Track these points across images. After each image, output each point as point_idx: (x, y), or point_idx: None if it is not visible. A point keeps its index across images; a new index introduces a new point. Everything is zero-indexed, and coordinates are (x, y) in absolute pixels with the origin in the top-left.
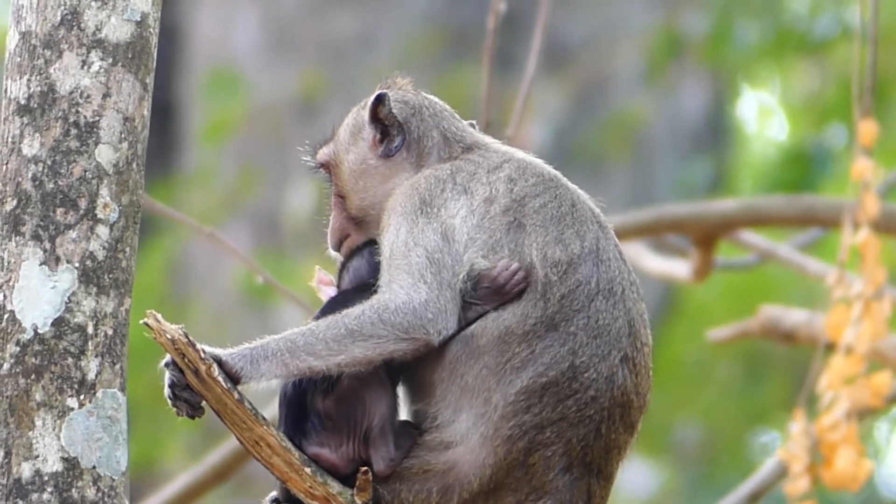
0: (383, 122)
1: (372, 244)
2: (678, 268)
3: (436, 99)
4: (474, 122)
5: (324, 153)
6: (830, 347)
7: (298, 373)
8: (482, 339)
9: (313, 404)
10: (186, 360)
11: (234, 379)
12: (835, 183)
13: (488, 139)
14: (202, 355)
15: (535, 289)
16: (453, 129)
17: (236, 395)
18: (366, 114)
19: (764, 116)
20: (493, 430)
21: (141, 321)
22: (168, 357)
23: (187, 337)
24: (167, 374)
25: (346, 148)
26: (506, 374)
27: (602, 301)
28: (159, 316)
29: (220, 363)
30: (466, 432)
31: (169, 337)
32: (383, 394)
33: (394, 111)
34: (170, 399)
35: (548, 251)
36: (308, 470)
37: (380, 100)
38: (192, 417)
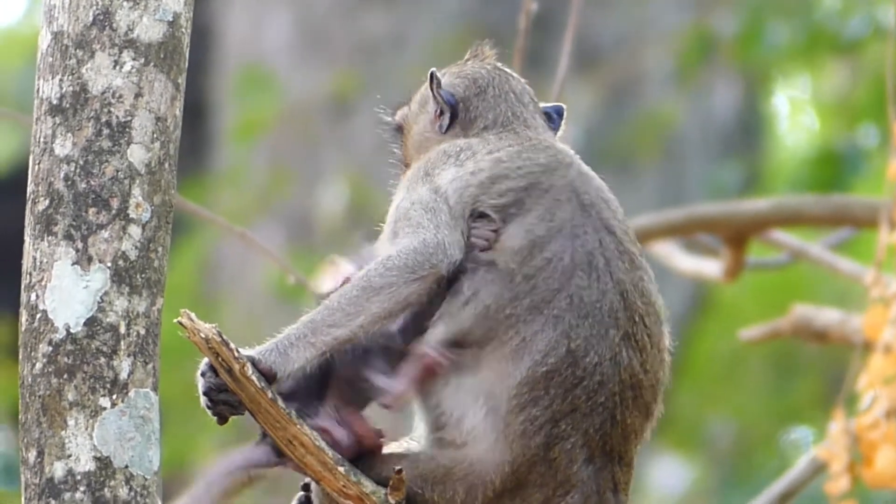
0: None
1: None
2: (709, 267)
3: (510, 77)
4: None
5: (400, 115)
6: (866, 346)
7: (327, 348)
8: (465, 323)
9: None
10: (220, 359)
11: (269, 376)
12: (867, 183)
13: (534, 127)
14: (236, 354)
15: (500, 270)
16: (509, 113)
17: (269, 395)
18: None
19: (795, 115)
20: (505, 426)
21: (175, 320)
22: (203, 366)
23: (221, 336)
24: (202, 382)
25: (415, 118)
26: (501, 364)
27: (582, 277)
28: (193, 315)
29: (253, 363)
30: (477, 430)
31: (203, 336)
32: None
33: (449, 90)
34: (208, 407)
35: (507, 238)
36: (341, 469)
37: (432, 77)
38: (230, 417)
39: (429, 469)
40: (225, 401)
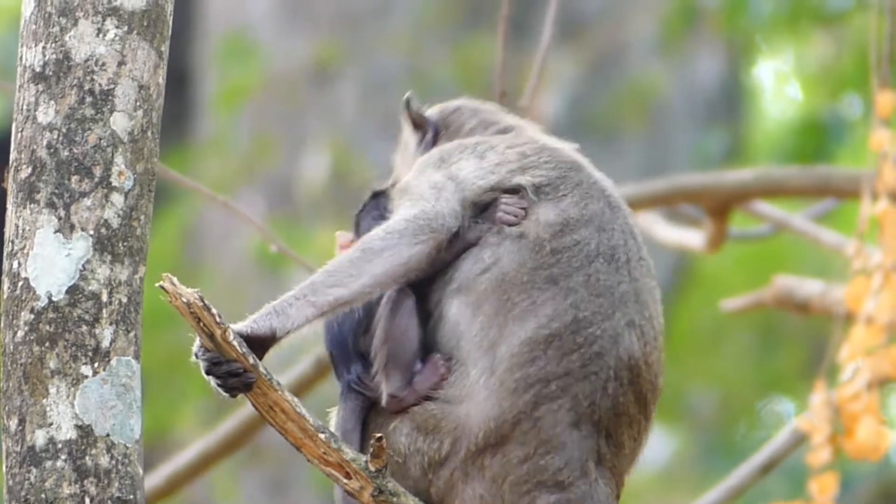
0: (418, 124)
1: (381, 195)
2: (692, 238)
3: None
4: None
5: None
6: (848, 318)
7: (328, 307)
8: (480, 286)
9: (356, 348)
10: (202, 324)
11: (268, 336)
12: (850, 153)
13: (529, 127)
14: (217, 319)
15: (528, 239)
16: (493, 118)
17: (251, 360)
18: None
19: (780, 85)
20: (499, 384)
21: (157, 284)
22: (195, 347)
23: (202, 301)
24: (202, 364)
25: (403, 154)
26: (508, 323)
27: (603, 263)
28: (175, 279)
29: (249, 336)
30: (474, 386)
31: (184, 300)
32: (404, 326)
33: (421, 112)
34: (219, 386)
35: (541, 213)
36: (322, 436)
37: (407, 104)
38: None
39: (422, 419)
40: (229, 372)
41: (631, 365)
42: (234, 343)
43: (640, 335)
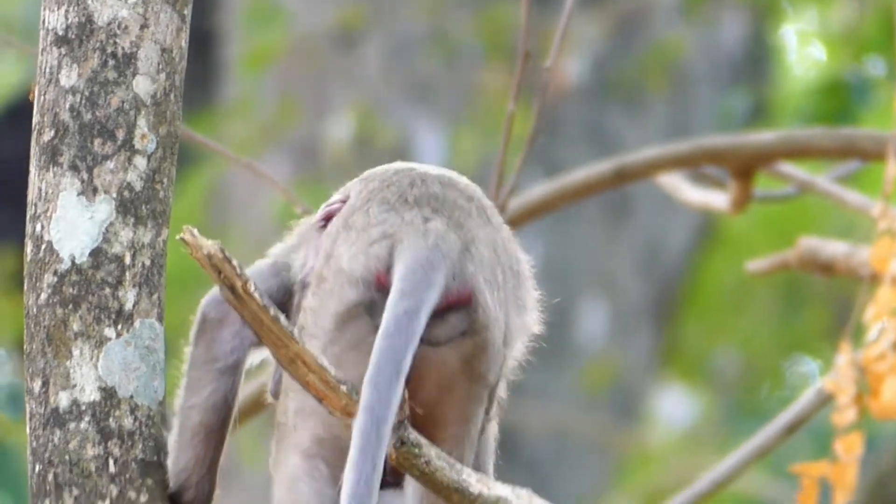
0: None
1: None
2: (716, 199)
3: None
4: None
5: None
6: (873, 279)
7: None
8: None
9: None
10: (222, 276)
11: None
12: (874, 114)
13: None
14: (238, 271)
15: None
16: None
17: (272, 312)
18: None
19: (803, 47)
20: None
21: (177, 237)
22: None
23: (223, 252)
24: None
25: None
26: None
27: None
28: (195, 231)
29: None
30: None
31: (205, 252)
32: None
33: None
34: None
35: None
36: (344, 388)
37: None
38: None
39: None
40: None
41: (439, 176)
42: (256, 295)
43: (440, 170)
